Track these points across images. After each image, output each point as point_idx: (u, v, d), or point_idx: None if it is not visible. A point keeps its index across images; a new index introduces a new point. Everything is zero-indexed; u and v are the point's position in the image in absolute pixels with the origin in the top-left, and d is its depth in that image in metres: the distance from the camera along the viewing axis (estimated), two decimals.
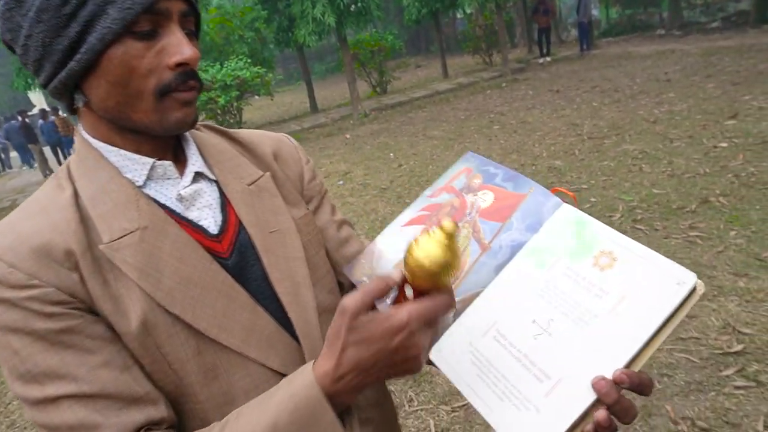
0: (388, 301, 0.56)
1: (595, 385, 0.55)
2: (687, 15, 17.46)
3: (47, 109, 14.34)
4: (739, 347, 2.39)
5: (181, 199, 0.68)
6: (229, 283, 0.66)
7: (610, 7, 20.03)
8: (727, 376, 2.25)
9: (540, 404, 0.58)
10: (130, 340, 0.60)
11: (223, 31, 13.52)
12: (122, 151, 0.66)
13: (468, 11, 15.21)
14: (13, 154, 18.04)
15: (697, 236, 3.42)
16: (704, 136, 5.22)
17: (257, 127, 11.83)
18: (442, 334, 0.58)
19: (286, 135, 0.87)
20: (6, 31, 0.62)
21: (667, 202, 3.99)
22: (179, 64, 0.61)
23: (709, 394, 2.19)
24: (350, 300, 0.53)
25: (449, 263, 0.52)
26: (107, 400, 0.57)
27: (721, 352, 2.40)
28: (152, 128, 0.64)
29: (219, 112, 10.78)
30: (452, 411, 2.40)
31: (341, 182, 6.63)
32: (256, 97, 12.42)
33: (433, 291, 0.55)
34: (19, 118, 14.23)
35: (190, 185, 0.69)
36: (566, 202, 0.70)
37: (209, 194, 0.71)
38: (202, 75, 10.32)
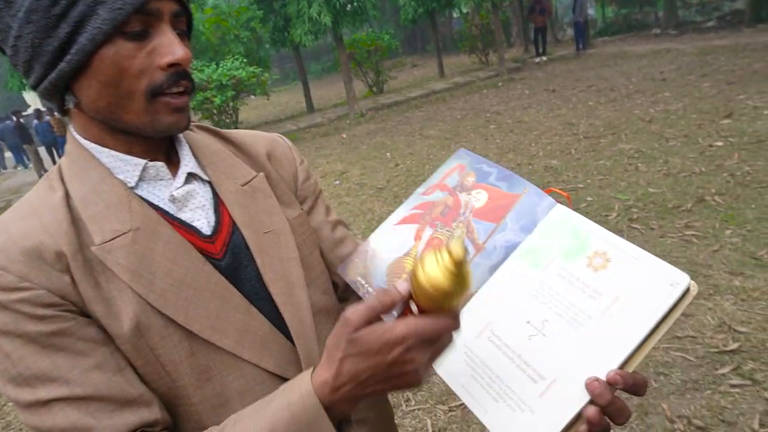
0: (395, 313, 0.56)
1: (589, 386, 0.55)
2: (682, 14, 17.52)
3: (42, 109, 14.26)
4: (734, 346, 2.40)
5: (173, 200, 0.67)
6: (223, 284, 0.66)
7: (605, 7, 20.08)
8: (723, 375, 2.26)
9: (534, 405, 0.57)
10: (123, 342, 0.60)
11: (218, 30, 13.49)
12: (114, 152, 0.66)
13: (464, 10, 15.21)
14: (8, 154, 17.96)
15: (692, 235, 3.43)
16: (700, 136, 5.24)
17: (253, 127, 11.84)
18: (446, 353, 0.57)
19: (280, 135, 0.87)
20: None
21: (662, 201, 4.00)
22: (171, 65, 0.61)
23: (705, 392, 2.19)
24: (353, 312, 0.53)
25: (454, 292, 0.50)
26: (100, 402, 0.57)
27: (716, 350, 2.41)
28: (144, 129, 0.63)
29: (215, 112, 10.76)
30: (449, 410, 2.41)
31: (338, 182, 6.62)
32: (252, 96, 12.42)
33: (437, 312, 0.53)
34: (14, 119, 14.15)
35: (182, 186, 0.68)
36: (560, 203, 0.70)
37: (202, 195, 0.70)
38: (198, 75, 10.29)
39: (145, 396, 0.60)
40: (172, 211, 0.67)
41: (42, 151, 13.59)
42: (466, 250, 0.50)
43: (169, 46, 0.60)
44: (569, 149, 5.81)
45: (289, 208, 0.77)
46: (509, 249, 0.69)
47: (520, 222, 0.71)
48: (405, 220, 0.78)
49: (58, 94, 0.63)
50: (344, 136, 9.72)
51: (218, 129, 0.80)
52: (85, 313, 0.59)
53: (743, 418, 2.03)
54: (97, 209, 0.62)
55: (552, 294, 0.63)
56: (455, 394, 0.61)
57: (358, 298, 0.77)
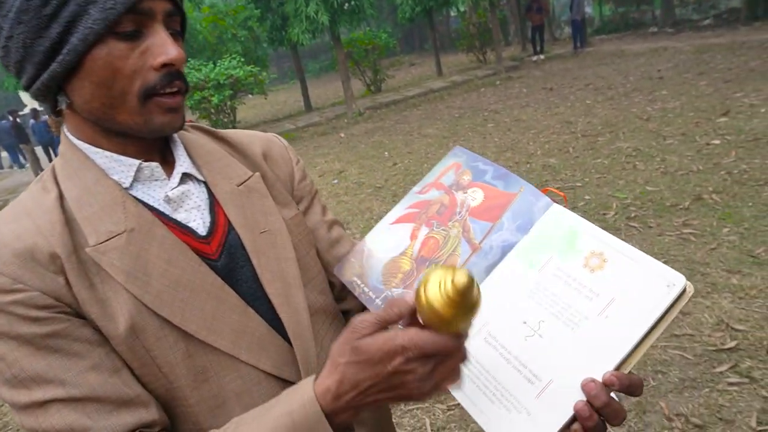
0: (400, 325, 0.55)
1: (585, 387, 0.55)
2: (679, 12, 17.54)
3: (39, 108, 14.21)
4: (732, 344, 2.40)
5: (168, 200, 0.67)
6: (219, 285, 0.65)
7: (603, 5, 20.09)
8: (721, 373, 2.26)
9: (531, 406, 0.57)
10: (118, 343, 0.59)
11: (216, 29, 13.48)
12: (108, 153, 0.65)
13: (462, 9, 15.23)
14: (4, 154, 17.91)
15: (690, 233, 3.43)
16: (697, 134, 5.24)
17: (251, 127, 11.82)
18: (459, 375, 0.54)
19: (276, 135, 0.86)
20: None
21: (660, 200, 4.01)
22: (164, 65, 0.60)
23: (703, 390, 2.20)
24: (361, 321, 0.52)
25: (453, 320, 0.48)
26: (96, 403, 0.57)
27: (714, 348, 2.41)
28: (137, 130, 0.63)
29: (212, 111, 10.74)
30: (448, 410, 2.41)
31: (336, 181, 6.62)
32: (250, 96, 12.39)
33: (439, 331, 0.51)
34: (10, 118, 14.10)
35: (177, 186, 0.68)
36: (556, 202, 0.70)
37: (197, 195, 0.70)
38: (196, 74, 10.27)
39: (142, 397, 0.60)
40: (167, 212, 0.67)
41: (39, 150, 13.55)
42: (471, 279, 0.47)
43: (162, 46, 0.60)
44: (567, 148, 5.82)
45: (285, 208, 0.77)
46: (506, 249, 0.69)
47: (516, 222, 0.70)
48: (401, 219, 0.77)
49: (51, 95, 0.62)
50: (342, 135, 9.71)
51: (213, 129, 0.80)
52: (80, 315, 0.59)
53: (741, 416, 2.04)
54: (92, 210, 0.62)
55: (548, 295, 0.63)
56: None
57: (355, 299, 0.77)
